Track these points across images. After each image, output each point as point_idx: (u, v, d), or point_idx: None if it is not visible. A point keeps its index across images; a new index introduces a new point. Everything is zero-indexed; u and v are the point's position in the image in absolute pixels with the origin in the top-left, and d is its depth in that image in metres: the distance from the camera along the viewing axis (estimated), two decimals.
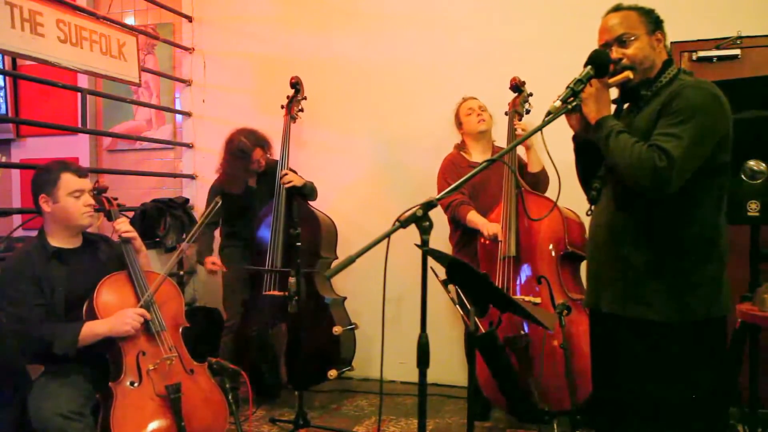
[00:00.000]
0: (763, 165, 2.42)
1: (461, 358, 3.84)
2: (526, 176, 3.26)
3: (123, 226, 2.51)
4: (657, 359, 1.84)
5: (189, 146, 4.59)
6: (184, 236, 4.10)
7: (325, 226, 3.60)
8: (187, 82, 4.57)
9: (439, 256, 1.78)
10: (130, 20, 4.62)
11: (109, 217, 2.56)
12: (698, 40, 3.49)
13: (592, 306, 2.05)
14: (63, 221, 2.39)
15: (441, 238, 3.43)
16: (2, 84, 4.86)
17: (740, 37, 3.42)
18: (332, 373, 3.34)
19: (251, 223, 3.66)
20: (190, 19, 4.54)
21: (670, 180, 1.73)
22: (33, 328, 2.23)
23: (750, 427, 2.57)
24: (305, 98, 3.78)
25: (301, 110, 3.76)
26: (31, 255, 2.36)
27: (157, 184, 4.62)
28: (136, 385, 2.29)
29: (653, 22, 1.92)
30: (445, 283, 1.82)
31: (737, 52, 3.44)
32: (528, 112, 3.29)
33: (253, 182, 3.73)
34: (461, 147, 3.47)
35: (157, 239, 4.06)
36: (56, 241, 2.41)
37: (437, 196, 1.62)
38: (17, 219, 4.34)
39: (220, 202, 3.04)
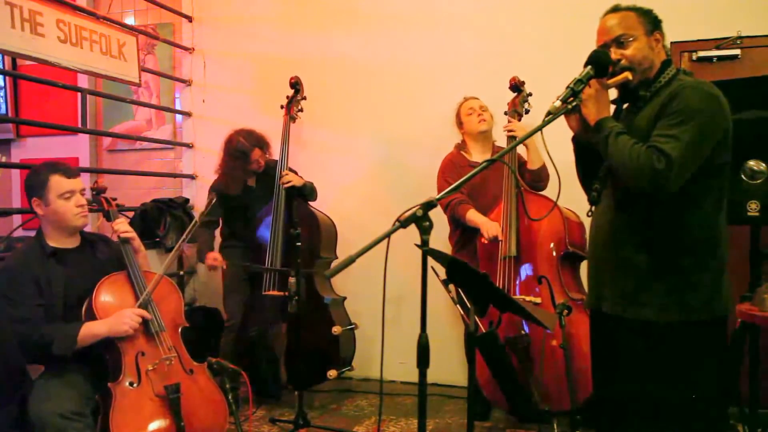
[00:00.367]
0: (763, 165, 2.42)
1: (461, 358, 3.83)
2: (526, 174, 3.26)
3: (122, 226, 2.51)
4: (658, 359, 1.84)
5: (189, 146, 4.58)
6: (183, 236, 4.10)
7: (324, 226, 3.60)
8: (187, 82, 4.57)
9: (439, 256, 1.78)
10: (130, 20, 4.62)
11: (108, 218, 2.55)
12: (698, 40, 3.49)
13: (593, 307, 2.05)
14: (57, 223, 2.38)
15: (441, 238, 3.43)
16: (2, 84, 4.86)
17: (740, 37, 3.42)
18: (332, 373, 3.34)
19: (251, 224, 3.66)
20: (190, 19, 4.54)
21: (669, 181, 1.73)
22: (32, 328, 2.23)
23: (750, 427, 2.57)
24: (305, 98, 3.78)
25: (301, 110, 3.75)
26: (29, 255, 2.36)
27: (157, 184, 4.62)
28: (135, 385, 2.29)
29: (652, 22, 1.91)
30: (445, 283, 1.82)
31: (737, 52, 3.43)
32: (527, 111, 3.29)
33: (253, 182, 3.73)
34: (461, 146, 3.47)
35: (157, 239, 4.06)
36: (54, 242, 2.40)
37: (437, 196, 1.62)
38: (17, 219, 4.34)
39: (215, 199, 3.03)
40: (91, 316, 2.32)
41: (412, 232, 1.60)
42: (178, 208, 4.25)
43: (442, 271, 1.82)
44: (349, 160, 4.20)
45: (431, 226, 1.58)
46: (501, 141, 3.43)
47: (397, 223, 1.57)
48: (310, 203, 3.64)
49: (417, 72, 4.05)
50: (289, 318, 3.30)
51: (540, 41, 3.76)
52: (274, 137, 3.72)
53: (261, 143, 3.62)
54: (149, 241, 3.87)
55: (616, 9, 1.95)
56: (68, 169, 2.41)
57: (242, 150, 3.55)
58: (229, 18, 4.47)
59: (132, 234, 2.52)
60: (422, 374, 1.61)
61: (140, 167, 4.69)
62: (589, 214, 2.09)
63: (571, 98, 1.85)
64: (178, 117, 4.66)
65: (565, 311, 2.50)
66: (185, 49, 4.55)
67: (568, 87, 1.86)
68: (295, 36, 4.31)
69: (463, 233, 3.34)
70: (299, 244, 3.12)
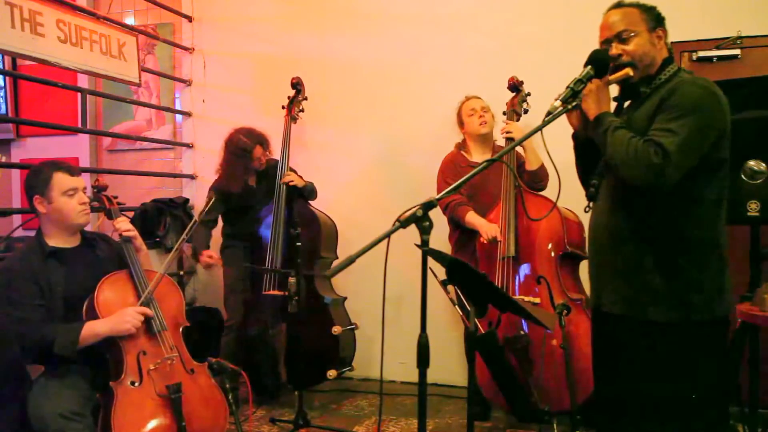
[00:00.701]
0: (763, 165, 2.42)
1: (461, 358, 3.84)
2: (524, 174, 3.26)
3: (123, 224, 2.51)
4: (659, 358, 1.84)
5: (189, 146, 4.59)
6: (183, 235, 4.10)
7: (325, 226, 3.61)
8: (187, 82, 4.57)
9: (439, 256, 1.78)
10: (130, 20, 4.62)
11: (109, 216, 2.55)
12: (698, 40, 3.49)
13: (594, 306, 2.05)
14: (59, 221, 2.38)
15: (441, 238, 3.43)
16: (2, 84, 4.86)
17: (740, 37, 3.42)
18: (331, 373, 3.34)
19: (252, 223, 3.67)
20: (190, 19, 4.54)
21: (666, 175, 1.73)
22: (33, 328, 2.23)
23: (750, 427, 2.57)
24: (306, 99, 3.78)
25: (302, 110, 3.76)
26: (30, 255, 2.35)
27: (157, 184, 4.62)
28: (136, 384, 2.28)
29: (654, 19, 1.92)
30: (444, 284, 1.82)
31: (737, 52, 3.44)
32: (526, 111, 3.29)
33: (253, 181, 3.74)
34: (462, 146, 3.47)
35: (157, 239, 4.06)
36: (54, 241, 2.40)
37: (437, 196, 1.62)
38: (17, 219, 4.34)
39: (214, 199, 3.03)
40: (93, 315, 2.31)
41: (412, 232, 1.60)
42: (178, 208, 4.26)
43: (441, 272, 1.82)
44: (349, 160, 4.21)
45: (431, 226, 1.59)
46: (501, 140, 3.43)
47: (397, 223, 1.58)
48: (311, 203, 3.65)
49: (416, 72, 4.05)
50: (289, 318, 3.31)
51: (539, 41, 3.76)
52: (274, 137, 3.72)
53: (262, 141, 3.63)
54: (149, 241, 3.87)
55: (619, 5, 1.95)
56: (71, 167, 2.42)
57: (244, 148, 3.55)
58: (229, 18, 4.47)
59: (134, 232, 2.52)
60: (422, 374, 1.61)
61: (140, 167, 4.69)
62: (587, 210, 2.09)
63: (571, 98, 1.86)
64: (178, 117, 4.66)
65: (565, 311, 2.50)
66: (185, 49, 4.55)
67: (568, 87, 1.86)
68: (295, 36, 4.31)
69: (463, 233, 3.34)
70: (299, 244, 3.12)
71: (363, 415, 3.48)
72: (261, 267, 3.52)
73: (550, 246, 2.99)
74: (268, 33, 4.37)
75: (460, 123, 3.45)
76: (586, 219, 2.17)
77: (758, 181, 2.42)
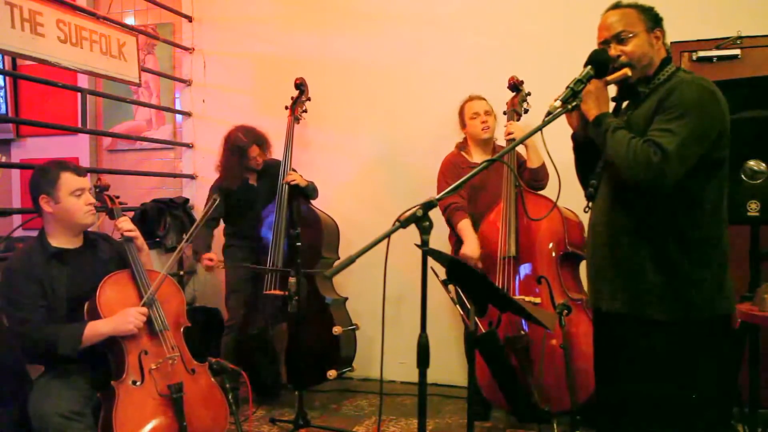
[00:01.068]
0: (763, 165, 2.42)
1: (461, 358, 3.84)
2: (525, 173, 3.26)
3: (125, 224, 2.51)
4: (659, 358, 1.85)
5: (189, 146, 4.59)
6: (184, 236, 4.10)
7: (326, 226, 3.61)
8: (187, 82, 4.57)
9: (439, 256, 1.78)
10: (130, 20, 4.62)
11: (111, 216, 2.55)
12: (698, 40, 3.49)
13: (594, 306, 2.05)
14: (65, 221, 2.38)
15: (441, 238, 3.43)
16: (2, 84, 4.86)
17: (740, 37, 3.42)
18: (331, 373, 3.34)
19: (254, 223, 3.67)
20: (190, 19, 4.54)
21: (666, 175, 1.73)
22: (35, 329, 2.23)
23: (750, 427, 2.57)
24: (309, 99, 3.79)
25: (305, 111, 3.77)
26: (32, 256, 2.35)
27: (157, 184, 4.62)
28: (138, 384, 2.29)
29: (652, 19, 1.93)
30: (445, 283, 1.82)
31: (737, 52, 3.44)
32: (526, 111, 3.29)
33: (254, 180, 3.74)
34: (462, 147, 3.47)
35: (157, 239, 4.07)
36: (57, 242, 2.40)
37: (437, 196, 1.62)
38: (17, 219, 4.34)
39: (218, 200, 3.04)
40: (95, 315, 2.31)
41: (412, 232, 1.60)
42: (178, 208, 4.26)
43: (441, 272, 1.82)
44: (349, 160, 4.21)
45: (431, 226, 1.59)
46: (502, 140, 3.42)
47: (397, 223, 1.58)
48: (313, 203, 3.66)
49: (417, 72, 4.05)
50: (289, 318, 3.31)
51: (539, 40, 3.76)
52: (275, 137, 3.73)
53: (260, 141, 3.63)
54: (149, 241, 3.86)
55: (617, 6, 1.96)
56: (78, 167, 2.43)
57: (240, 145, 3.56)
58: (229, 18, 4.47)
59: (135, 232, 2.52)
60: (422, 374, 1.61)
61: (140, 167, 4.69)
62: (586, 210, 2.10)
63: (571, 98, 1.86)
64: (178, 117, 4.66)
65: (565, 311, 2.50)
66: (185, 49, 4.55)
67: (568, 87, 1.86)
68: (295, 36, 4.31)
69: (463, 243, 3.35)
70: (299, 243, 3.13)
71: (363, 415, 3.48)
72: (261, 267, 3.52)
73: (550, 246, 2.99)
74: (268, 33, 4.37)
75: (462, 123, 3.45)
76: (585, 219, 2.17)
77: (758, 181, 2.42)
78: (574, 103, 1.87)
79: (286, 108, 3.76)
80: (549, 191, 3.21)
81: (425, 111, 4.00)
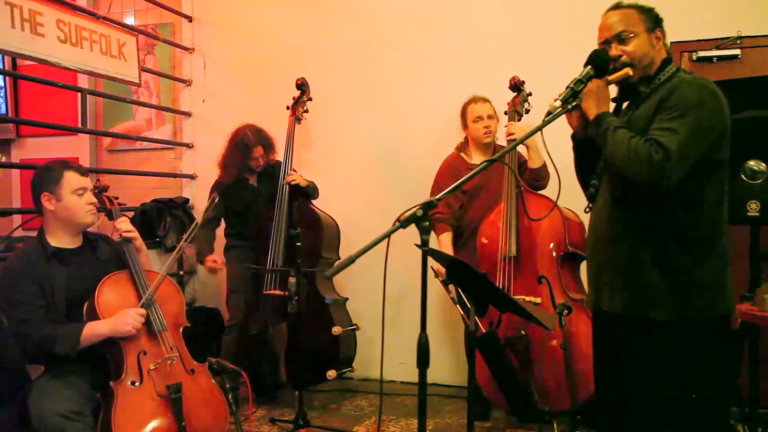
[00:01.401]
0: (763, 165, 2.42)
1: (461, 358, 3.84)
2: (526, 172, 3.26)
3: (124, 225, 2.51)
4: (659, 358, 1.84)
5: (189, 146, 4.59)
6: (184, 236, 4.11)
7: (327, 226, 3.61)
8: (187, 82, 4.57)
9: (439, 256, 1.78)
10: (130, 20, 4.62)
11: (110, 216, 2.55)
12: (698, 40, 3.49)
13: (593, 306, 2.05)
14: (66, 219, 2.39)
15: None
16: (2, 84, 4.86)
17: (740, 37, 3.42)
18: (331, 373, 3.34)
19: (254, 223, 3.67)
20: (190, 19, 4.54)
21: (667, 173, 1.73)
22: (34, 329, 2.23)
23: (750, 427, 2.57)
24: (310, 99, 3.79)
25: (306, 111, 3.78)
26: (31, 256, 2.35)
27: (157, 184, 4.61)
28: (137, 384, 2.28)
29: (653, 20, 1.93)
30: (445, 283, 1.83)
31: (737, 52, 3.44)
32: (527, 111, 3.29)
33: (255, 181, 3.74)
34: (462, 148, 3.47)
35: (157, 239, 4.07)
36: (56, 241, 2.40)
37: (437, 197, 1.63)
38: (17, 219, 4.34)
39: (217, 199, 3.04)
40: (94, 316, 2.31)
41: (412, 232, 1.60)
42: (178, 208, 4.26)
43: (441, 272, 1.82)
44: (350, 160, 4.20)
45: (431, 226, 1.59)
46: (502, 140, 3.42)
47: (397, 223, 1.58)
48: (314, 203, 3.66)
49: (417, 72, 4.05)
50: (289, 318, 3.31)
51: (540, 41, 3.76)
52: (274, 137, 3.73)
53: (265, 142, 3.65)
54: (149, 241, 3.87)
55: (617, 6, 1.96)
56: (80, 167, 2.45)
57: (245, 142, 3.57)
58: (229, 18, 4.47)
59: (134, 233, 2.52)
60: (422, 374, 1.61)
61: (140, 167, 4.69)
62: (587, 210, 2.10)
63: (571, 98, 1.86)
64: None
65: (565, 311, 2.49)
66: (185, 49, 4.55)
67: (568, 87, 1.87)
68: (295, 36, 4.31)
69: (463, 234, 3.35)
70: (299, 244, 3.13)
71: (363, 415, 3.48)
72: (263, 267, 3.52)
73: (551, 246, 2.99)
74: (268, 33, 4.36)
75: (464, 124, 3.45)
76: (586, 219, 2.17)
77: (758, 181, 2.42)
78: (574, 103, 1.87)
79: (288, 108, 3.76)
80: (549, 191, 3.21)
81: (426, 111, 4.00)
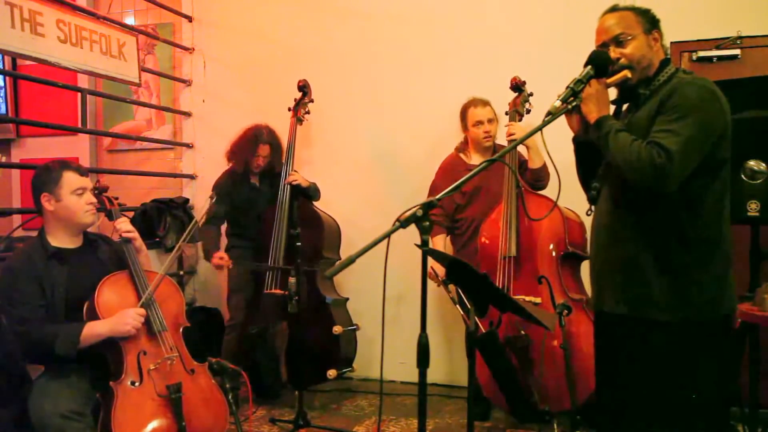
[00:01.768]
0: (763, 165, 2.42)
1: (461, 358, 3.82)
2: (526, 172, 3.26)
3: (124, 225, 2.51)
4: (662, 359, 1.84)
5: (189, 146, 4.59)
6: (183, 236, 4.11)
7: (328, 226, 3.62)
8: (187, 82, 4.57)
9: (439, 256, 1.78)
10: (130, 20, 4.62)
11: (110, 217, 2.55)
12: (698, 40, 3.49)
13: (597, 308, 2.04)
14: (66, 219, 2.39)
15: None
16: (2, 84, 4.86)
17: (740, 37, 3.42)
18: (331, 373, 3.34)
19: (256, 224, 3.68)
20: (190, 19, 4.54)
21: (670, 176, 1.73)
22: (34, 329, 2.23)
23: (750, 427, 2.57)
24: (312, 101, 3.80)
25: (308, 113, 3.79)
26: (32, 255, 2.35)
27: (157, 184, 4.61)
28: (137, 384, 2.28)
29: (649, 21, 1.93)
30: (444, 283, 1.82)
31: (737, 52, 3.44)
32: (528, 111, 3.29)
33: (257, 181, 3.75)
34: (462, 149, 3.48)
35: (157, 239, 4.06)
36: (56, 241, 2.40)
37: (437, 197, 1.63)
38: (17, 219, 4.33)
39: (214, 198, 3.05)
40: (93, 316, 2.31)
41: (412, 232, 1.60)
42: (178, 208, 4.25)
43: (441, 272, 1.82)
44: (350, 160, 4.20)
45: (431, 226, 1.59)
46: (502, 139, 3.42)
47: (397, 223, 1.58)
48: (314, 204, 3.67)
49: (418, 72, 4.05)
50: (289, 317, 3.31)
51: (541, 41, 3.76)
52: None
53: (275, 145, 3.67)
54: (149, 241, 3.87)
55: (614, 9, 1.96)
56: (80, 167, 2.45)
57: (257, 135, 3.61)
58: (229, 18, 4.47)
59: (134, 233, 2.52)
60: (422, 374, 1.61)
61: (140, 167, 4.69)
62: (589, 213, 2.10)
63: (571, 98, 1.86)
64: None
65: (565, 311, 2.49)
66: (185, 49, 4.55)
67: (568, 87, 1.87)
68: (295, 36, 4.31)
69: (463, 234, 3.35)
70: (299, 243, 3.13)
71: (363, 415, 3.48)
72: (266, 264, 3.52)
73: (551, 246, 2.99)
74: (268, 33, 4.36)
75: (464, 126, 3.46)
76: (588, 222, 2.17)
77: (758, 181, 2.42)
78: (574, 103, 1.87)
79: (289, 109, 3.77)
80: (549, 191, 3.21)
81: (427, 111, 4.00)
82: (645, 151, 1.75)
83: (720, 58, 3.47)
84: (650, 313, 1.84)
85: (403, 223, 1.57)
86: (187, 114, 4.58)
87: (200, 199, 4.46)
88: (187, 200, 4.41)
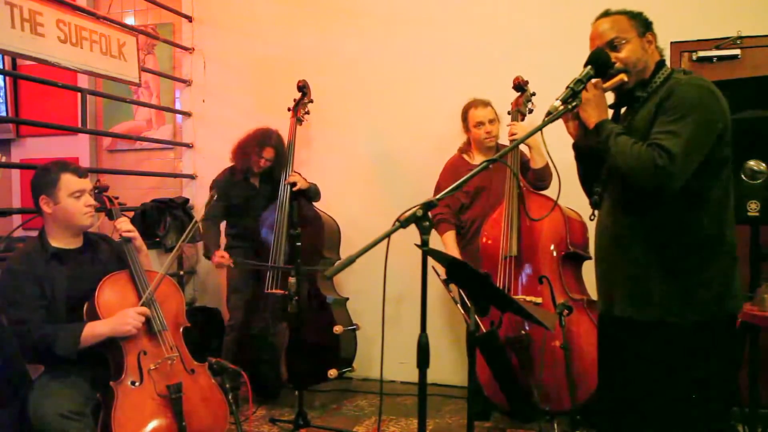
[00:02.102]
0: (763, 165, 2.42)
1: (461, 358, 3.83)
2: (529, 173, 3.26)
3: (124, 225, 2.51)
4: (669, 360, 1.84)
5: (189, 146, 4.58)
6: (183, 235, 4.11)
7: (328, 227, 3.62)
8: (187, 82, 4.57)
9: (439, 256, 1.78)
10: (130, 20, 4.62)
11: (110, 216, 2.55)
12: (698, 40, 3.49)
13: (604, 311, 2.03)
14: (64, 222, 2.38)
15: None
16: (2, 84, 4.86)
17: (740, 37, 3.42)
18: (332, 372, 3.35)
19: (255, 224, 3.68)
20: (190, 19, 4.54)
21: (673, 177, 1.73)
22: (34, 329, 2.23)
23: (750, 427, 2.57)
24: (312, 101, 3.80)
25: (307, 113, 3.79)
26: (32, 256, 2.35)
27: (157, 184, 4.61)
28: (137, 384, 2.28)
29: (643, 24, 1.93)
30: (446, 282, 1.82)
31: (737, 52, 3.44)
32: (531, 111, 3.29)
33: (257, 182, 3.75)
34: (465, 149, 3.48)
35: (157, 239, 4.06)
36: (57, 242, 2.40)
37: (437, 197, 1.63)
38: (17, 219, 4.34)
39: (215, 195, 3.04)
40: (94, 316, 2.31)
41: (413, 232, 1.60)
42: (178, 208, 4.25)
43: (443, 271, 1.82)
44: (350, 160, 4.20)
45: (431, 226, 1.59)
46: (505, 139, 3.42)
47: (397, 223, 1.57)
48: (315, 204, 3.67)
49: (419, 72, 4.04)
50: (290, 317, 3.31)
51: (544, 40, 3.75)
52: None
53: (279, 150, 3.65)
54: (149, 241, 3.87)
55: (607, 13, 1.96)
56: (78, 168, 2.42)
57: (266, 137, 3.60)
58: (229, 18, 4.47)
59: (134, 233, 2.52)
60: (422, 374, 1.60)
61: (140, 167, 4.69)
62: (592, 218, 2.09)
63: (571, 98, 1.86)
64: (178, 117, 4.65)
65: (566, 311, 2.49)
66: (185, 49, 4.55)
67: (568, 87, 1.86)
68: (295, 36, 4.31)
69: (466, 234, 3.35)
70: (299, 244, 3.13)
71: (363, 415, 3.48)
72: (266, 264, 3.52)
73: (552, 246, 2.99)
74: (268, 33, 4.36)
75: (466, 128, 3.46)
76: (591, 226, 2.16)
77: (758, 181, 2.43)
78: (573, 103, 1.87)
79: (289, 110, 3.77)
80: (551, 191, 3.21)
81: (428, 111, 3.99)
82: (646, 152, 1.75)
83: (720, 58, 3.47)
84: (657, 314, 1.84)
85: (403, 223, 1.57)
86: (187, 114, 4.58)
87: (200, 199, 4.46)
88: (187, 200, 4.41)
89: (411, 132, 4.05)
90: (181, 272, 4.24)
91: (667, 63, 1.97)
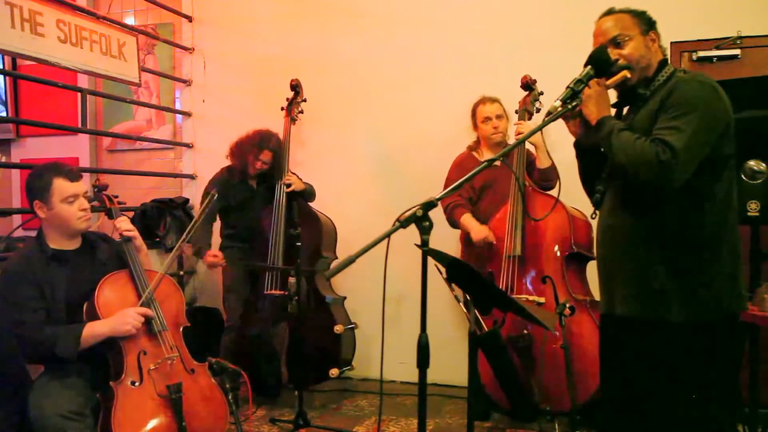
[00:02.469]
0: (763, 165, 2.42)
1: (461, 358, 3.81)
2: (534, 172, 3.26)
3: (124, 224, 2.50)
4: (673, 359, 1.83)
5: (189, 146, 4.58)
6: (183, 235, 4.10)
7: (325, 226, 3.63)
8: (187, 82, 4.57)
9: (439, 256, 1.78)
10: (130, 20, 4.62)
11: (110, 215, 2.55)
12: (698, 40, 3.49)
13: (606, 311, 2.03)
14: (59, 226, 2.36)
15: (442, 238, 3.41)
16: (2, 84, 4.86)
17: (740, 37, 3.42)
18: (333, 371, 3.35)
19: (251, 224, 3.67)
20: (190, 19, 4.54)
21: (675, 172, 1.73)
22: (34, 331, 2.22)
23: (750, 427, 2.57)
24: (305, 100, 3.79)
25: (301, 112, 3.79)
26: (31, 258, 2.34)
27: (157, 184, 4.61)
28: (137, 384, 2.28)
29: (646, 22, 1.93)
30: (449, 281, 1.82)
31: (737, 52, 3.44)
32: (538, 110, 3.28)
33: (254, 183, 3.74)
34: (474, 147, 3.49)
35: (157, 239, 4.06)
36: (55, 243, 2.39)
37: (437, 196, 1.62)
38: (17, 219, 4.33)
39: (216, 194, 3.05)
40: (93, 316, 2.31)
41: (413, 232, 1.60)
42: (178, 208, 4.25)
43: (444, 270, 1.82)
44: (349, 160, 4.20)
45: (431, 226, 1.58)
46: (513, 139, 3.41)
47: (397, 223, 1.57)
48: (312, 204, 3.67)
49: (419, 72, 4.04)
50: (290, 317, 3.31)
51: (551, 39, 3.74)
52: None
53: (277, 153, 3.63)
54: (149, 241, 3.87)
55: (610, 12, 1.97)
56: (71, 172, 2.37)
57: (265, 139, 3.58)
58: (229, 18, 4.47)
59: (134, 232, 2.51)
60: (422, 374, 1.61)
61: (140, 167, 4.69)
62: (593, 216, 2.09)
63: (571, 98, 1.86)
64: (178, 117, 4.65)
65: (568, 311, 2.49)
66: (185, 49, 4.55)
67: (568, 87, 1.86)
68: (295, 36, 4.30)
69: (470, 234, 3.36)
70: (299, 244, 3.13)
71: (363, 415, 3.48)
72: (263, 264, 3.52)
73: (556, 246, 2.98)
74: (268, 33, 4.36)
75: (474, 125, 3.47)
76: (594, 224, 2.16)
77: (758, 181, 2.42)
78: (573, 103, 1.87)
79: (282, 109, 3.76)
80: (553, 190, 3.20)
81: (427, 111, 3.99)
82: (649, 147, 1.74)
83: (720, 58, 3.47)
84: (661, 314, 1.83)
85: (403, 223, 1.57)
86: (187, 114, 4.58)
87: (200, 199, 4.45)
88: (187, 200, 4.41)
89: (411, 132, 4.05)
90: (181, 272, 4.24)
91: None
